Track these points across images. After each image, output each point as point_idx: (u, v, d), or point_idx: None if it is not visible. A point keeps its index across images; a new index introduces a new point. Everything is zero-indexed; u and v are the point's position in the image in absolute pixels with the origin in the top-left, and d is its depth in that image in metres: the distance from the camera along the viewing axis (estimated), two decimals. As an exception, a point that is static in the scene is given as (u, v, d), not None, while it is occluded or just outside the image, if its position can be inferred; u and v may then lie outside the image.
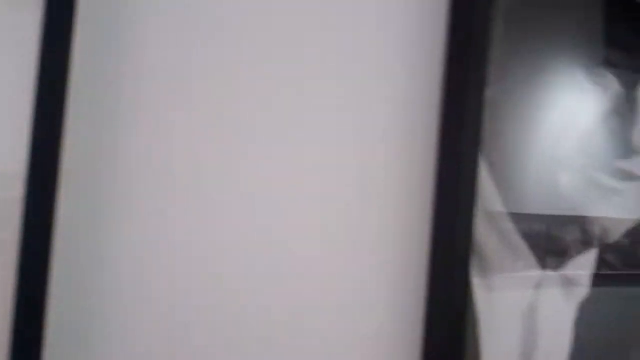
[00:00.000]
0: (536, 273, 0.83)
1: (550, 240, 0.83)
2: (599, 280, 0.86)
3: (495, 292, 0.81)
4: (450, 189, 0.75)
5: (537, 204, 0.83)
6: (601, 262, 0.87)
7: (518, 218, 0.82)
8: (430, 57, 0.72)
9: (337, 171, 0.73)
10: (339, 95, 0.69)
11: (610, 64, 0.85)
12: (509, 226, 0.81)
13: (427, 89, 0.73)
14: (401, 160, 0.74)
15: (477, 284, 0.79)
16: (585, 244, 0.85)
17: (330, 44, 0.68)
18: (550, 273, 0.84)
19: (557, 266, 0.84)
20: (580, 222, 0.84)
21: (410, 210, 0.74)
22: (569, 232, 0.84)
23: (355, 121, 0.71)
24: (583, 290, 0.85)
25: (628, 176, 0.86)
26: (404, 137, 0.74)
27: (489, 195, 0.79)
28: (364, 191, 0.73)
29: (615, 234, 0.86)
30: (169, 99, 0.63)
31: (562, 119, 0.83)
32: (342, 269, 0.74)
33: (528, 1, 0.82)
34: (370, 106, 0.72)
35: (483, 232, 0.79)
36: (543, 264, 0.83)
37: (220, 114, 0.65)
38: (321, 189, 0.71)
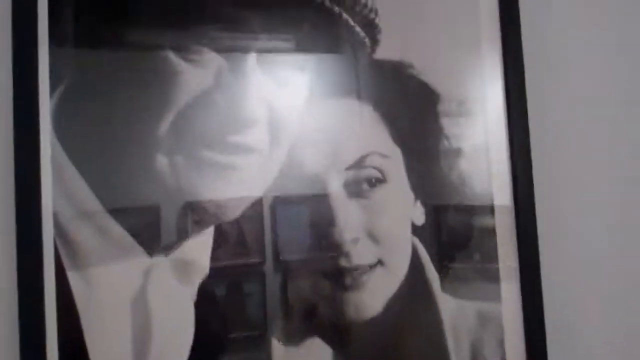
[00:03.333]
0: (143, 260, 0.86)
1: (155, 226, 0.86)
2: (218, 258, 0.88)
3: (96, 286, 0.84)
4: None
5: (139, 196, 0.86)
6: (220, 240, 0.88)
7: (118, 213, 0.84)
8: None
9: None
10: None
11: (209, 40, 0.87)
12: (110, 222, 0.84)
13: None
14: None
15: (74, 278, 0.82)
16: (200, 224, 0.88)
17: None
18: (160, 258, 0.86)
19: (168, 250, 0.86)
20: (191, 203, 0.87)
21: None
22: (180, 216, 0.87)
23: None
24: (203, 270, 0.87)
25: (243, 150, 0.89)
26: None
27: (83, 196, 0.82)
28: None
29: (235, 211, 0.88)
30: None
31: (157, 101, 0.86)
32: None
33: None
34: None
35: (80, 230, 0.82)
36: (150, 251, 0.85)
37: None
38: None
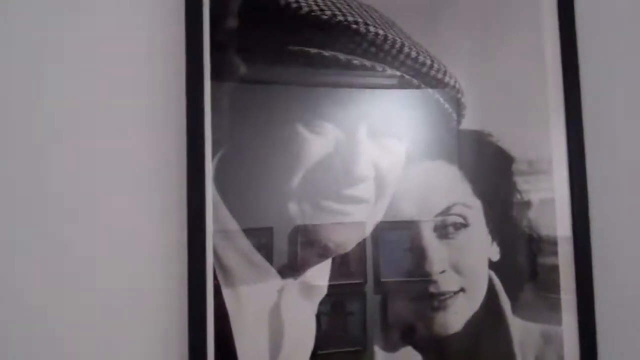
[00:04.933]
0: (277, 282, 1.17)
1: (286, 256, 1.17)
2: (335, 282, 1.18)
3: (243, 300, 1.15)
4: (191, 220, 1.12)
5: (276, 233, 1.17)
6: (338, 268, 1.18)
7: (260, 246, 1.16)
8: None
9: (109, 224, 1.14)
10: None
11: (327, 117, 1.18)
12: (253, 252, 1.16)
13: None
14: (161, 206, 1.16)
15: (227, 294, 1.14)
16: (321, 255, 1.18)
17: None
18: (290, 280, 1.17)
19: (296, 275, 1.17)
20: (314, 239, 1.17)
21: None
22: (306, 248, 1.17)
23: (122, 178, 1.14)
24: (322, 290, 1.18)
25: (354, 200, 1.19)
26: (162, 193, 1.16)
27: (233, 231, 1.15)
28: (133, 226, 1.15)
29: (349, 246, 1.18)
30: None
31: (290, 162, 1.17)
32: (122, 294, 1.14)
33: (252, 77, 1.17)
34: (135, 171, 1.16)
35: (231, 257, 1.14)
36: (283, 274, 1.17)
37: None
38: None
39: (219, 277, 1.15)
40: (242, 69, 1.19)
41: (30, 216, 1.11)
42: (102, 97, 1.17)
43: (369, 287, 1.21)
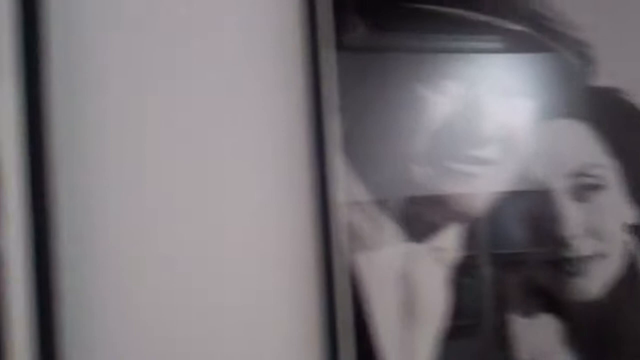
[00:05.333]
0: (407, 246, 1.13)
1: (417, 219, 1.13)
2: (466, 247, 1.14)
3: (375, 265, 1.12)
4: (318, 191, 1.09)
5: (401, 192, 1.13)
6: (468, 232, 1.14)
7: (383, 204, 1.13)
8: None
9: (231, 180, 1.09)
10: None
11: (451, 77, 1.15)
12: (383, 217, 1.13)
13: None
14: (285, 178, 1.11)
15: (360, 260, 1.11)
16: (450, 219, 1.14)
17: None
18: (419, 245, 1.13)
19: (426, 239, 1.13)
20: (442, 203, 1.13)
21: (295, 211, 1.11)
22: (434, 212, 1.14)
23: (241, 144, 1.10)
24: (451, 255, 1.13)
25: (483, 162, 1.15)
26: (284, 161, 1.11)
27: (361, 194, 1.12)
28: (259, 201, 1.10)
29: (478, 210, 1.14)
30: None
31: (413, 124, 1.14)
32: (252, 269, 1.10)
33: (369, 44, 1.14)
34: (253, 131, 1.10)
35: (356, 218, 1.11)
36: (412, 239, 1.13)
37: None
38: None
39: (351, 243, 1.11)
40: (363, 30, 1.15)
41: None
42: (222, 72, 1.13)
43: (498, 256, 1.15)
